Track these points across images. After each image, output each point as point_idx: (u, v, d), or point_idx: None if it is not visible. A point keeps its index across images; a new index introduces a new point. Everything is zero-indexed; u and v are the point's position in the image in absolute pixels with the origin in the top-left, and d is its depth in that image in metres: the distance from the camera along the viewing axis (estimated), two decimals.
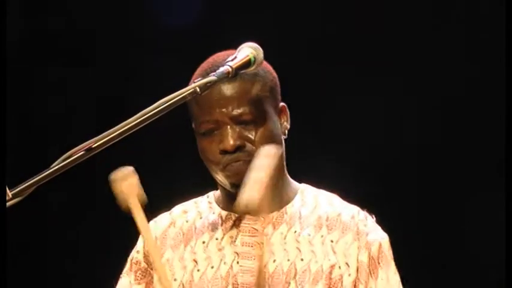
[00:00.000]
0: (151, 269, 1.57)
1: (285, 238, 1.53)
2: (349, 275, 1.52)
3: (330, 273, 1.51)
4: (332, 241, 1.54)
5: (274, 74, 1.56)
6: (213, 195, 1.62)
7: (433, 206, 3.03)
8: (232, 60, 1.38)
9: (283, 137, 1.55)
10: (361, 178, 2.94)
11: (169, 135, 2.83)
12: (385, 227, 1.59)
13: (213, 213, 1.58)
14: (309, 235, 1.54)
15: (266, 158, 1.35)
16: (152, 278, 1.58)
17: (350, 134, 3.02)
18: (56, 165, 1.16)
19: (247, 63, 1.40)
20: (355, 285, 1.52)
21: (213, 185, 1.60)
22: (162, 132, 2.27)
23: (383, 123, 3.04)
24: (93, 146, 1.18)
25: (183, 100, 1.26)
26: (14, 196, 1.15)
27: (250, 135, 1.49)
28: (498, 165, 2.74)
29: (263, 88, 1.51)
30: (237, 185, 1.46)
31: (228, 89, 1.46)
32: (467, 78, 2.98)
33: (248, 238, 1.54)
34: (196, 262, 1.54)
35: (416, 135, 3.04)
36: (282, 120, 1.57)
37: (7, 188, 1.15)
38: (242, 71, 1.40)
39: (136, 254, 1.59)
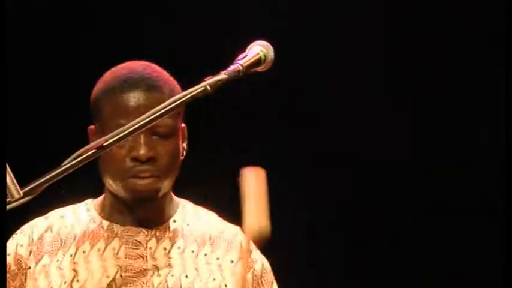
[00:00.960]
0: (22, 274, 1.50)
1: (169, 253, 1.51)
2: None
3: None
4: (218, 258, 1.53)
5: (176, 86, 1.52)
6: (92, 203, 1.56)
7: None
8: (242, 58, 1.37)
9: (181, 158, 1.52)
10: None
11: None
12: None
13: (94, 222, 1.52)
14: (193, 252, 1.52)
15: (260, 182, 1.36)
16: (22, 282, 1.50)
17: None
18: (67, 164, 1.15)
19: (258, 62, 1.39)
20: None
21: (91, 193, 1.57)
22: None
23: None
24: (104, 144, 1.17)
25: (193, 98, 1.25)
26: (25, 195, 1.14)
27: (161, 149, 1.45)
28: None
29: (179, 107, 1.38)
30: (138, 200, 1.46)
31: (148, 98, 1.44)
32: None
33: (131, 250, 1.50)
34: (76, 272, 1.48)
35: None
36: (183, 140, 1.53)
37: (18, 187, 1.14)
38: (156, 88, 1.42)
39: (7, 256, 1.48)
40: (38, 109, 3.12)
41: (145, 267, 1.49)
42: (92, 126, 1.50)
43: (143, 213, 1.51)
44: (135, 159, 1.44)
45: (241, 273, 1.52)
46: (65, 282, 1.47)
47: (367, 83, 3.06)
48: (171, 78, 1.52)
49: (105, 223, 1.52)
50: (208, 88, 1.27)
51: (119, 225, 1.51)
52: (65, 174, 1.16)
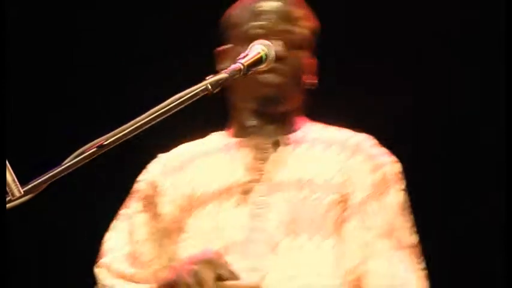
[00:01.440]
0: (156, 196, 1.58)
1: (297, 154, 1.56)
2: (361, 191, 1.53)
3: (343, 188, 1.52)
4: (345, 159, 1.55)
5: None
6: (222, 132, 1.66)
7: None
8: (243, 57, 1.38)
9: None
10: None
11: None
12: None
13: (225, 140, 1.62)
14: (320, 152, 1.56)
15: None
16: (156, 207, 1.58)
17: None
18: (68, 163, 1.15)
19: (259, 61, 1.41)
20: (365, 202, 1.52)
21: None
22: None
23: None
24: (105, 143, 1.18)
25: (195, 97, 1.26)
26: (26, 193, 1.15)
27: (292, 55, 1.54)
28: None
29: (307, 27, 1.59)
30: (265, 98, 1.53)
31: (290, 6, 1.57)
32: None
33: (260, 154, 1.56)
34: (204, 175, 1.56)
35: None
36: (310, 71, 1.62)
37: (19, 185, 1.14)
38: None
39: (145, 180, 1.60)
40: (39, 106, 3.14)
41: (273, 168, 1.54)
42: (219, 49, 1.62)
43: (268, 123, 1.57)
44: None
45: (367, 174, 1.54)
46: (193, 187, 1.55)
47: None
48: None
49: (236, 139, 1.60)
50: (210, 87, 1.27)
51: (249, 139, 1.59)
52: (65, 172, 1.17)
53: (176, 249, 1.53)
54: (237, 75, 1.35)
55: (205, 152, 1.60)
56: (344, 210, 1.51)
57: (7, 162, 1.14)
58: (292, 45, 1.53)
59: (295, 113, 1.62)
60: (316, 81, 1.63)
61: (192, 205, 1.52)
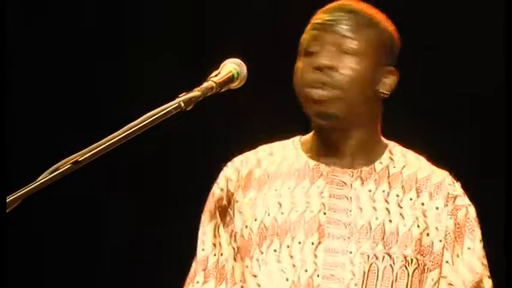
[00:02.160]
0: (230, 208, 1.56)
1: (373, 195, 1.51)
2: (440, 240, 1.50)
3: (420, 239, 1.49)
4: (423, 204, 1.51)
5: (395, 35, 1.58)
6: (299, 141, 1.60)
7: None
8: (215, 76, 1.42)
9: (381, 94, 1.55)
10: None
11: None
12: None
13: (300, 161, 1.56)
14: (397, 196, 1.51)
15: None
16: (231, 217, 1.56)
17: None
18: (43, 178, 1.17)
19: (231, 79, 1.44)
20: (441, 257, 1.50)
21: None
22: None
23: None
24: (80, 159, 1.20)
25: (168, 115, 1.28)
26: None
27: (343, 64, 1.49)
28: None
29: (379, 37, 1.53)
30: (316, 114, 1.50)
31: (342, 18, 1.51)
32: None
33: (336, 190, 1.51)
34: (280, 205, 1.52)
35: None
36: (385, 80, 1.55)
37: None
38: None
39: (222, 184, 1.59)
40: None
41: (349, 208, 1.50)
42: None
43: (342, 148, 1.53)
44: (316, 68, 1.49)
45: (445, 220, 1.51)
46: (269, 214, 1.51)
47: None
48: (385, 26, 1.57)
49: (311, 162, 1.55)
50: (182, 104, 1.30)
51: (324, 165, 1.53)
52: (40, 188, 1.18)
53: (244, 270, 1.51)
54: (210, 93, 1.38)
55: (282, 173, 1.56)
56: (424, 266, 1.49)
57: None
58: (348, 53, 1.50)
59: (369, 133, 1.56)
60: (390, 88, 1.57)
61: (266, 234, 1.50)
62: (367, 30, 1.51)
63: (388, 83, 1.55)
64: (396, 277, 1.46)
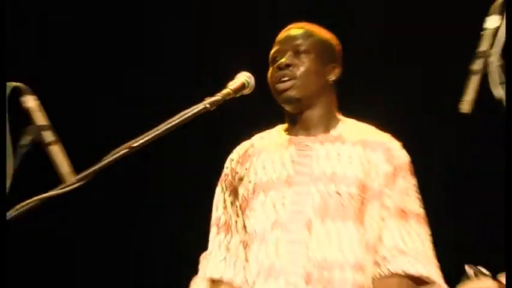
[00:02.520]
0: (234, 180, 2.11)
1: (329, 152, 2.01)
2: (379, 181, 1.98)
3: (363, 180, 1.97)
4: (367, 155, 2.01)
5: (336, 43, 2.15)
6: (281, 127, 2.14)
7: None
8: (232, 85, 1.90)
9: (330, 82, 2.09)
10: None
11: None
12: None
13: (280, 138, 2.10)
14: (347, 151, 2.02)
15: None
16: (235, 186, 2.10)
17: None
18: (108, 158, 1.61)
19: (243, 86, 1.92)
20: (382, 189, 1.98)
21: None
22: None
23: None
24: (134, 145, 1.63)
25: (197, 114, 1.74)
26: (78, 181, 1.59)
27: (297, 61, 2.04)
28: None
29: (321, 43, 2.09)
30: (285, 102, 2.04)
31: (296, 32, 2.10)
32: None
33: (302, 152, 2.03)
34: (264, 168, 2.03)
35: None
36: (332, 73, 2.09)
37: (73, 174, 1.59)
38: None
39: (227, 166, 2.15)
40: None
41: (311, 162, 2.01)
42: None
43: (306, 123, 2.06)
44: (279, 68, 2.04)
45: (383, 167, 2.00)
46: (257, 175, 2.05)
47: None
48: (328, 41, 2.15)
49: (287, 137, 2.09)
50: (208, 106, 1.76)
51: (295, 137, 2.08)
52: (107, 166, 1.61)
53: (245, 220, 2.04)
54: (227, 97, 1.85)
55: (267, 148, 2.09)
56: (363, 200, 1.96)
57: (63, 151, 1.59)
58: (300, 52, 2.05)
59: (327, 108, 2.09)
60: (334, 77, 2.11)
61: (254, 189, 2.03)
62: (312, 38, 2.07)
63: (333, 74, 2.09)
64: (344, 208, 1.94)
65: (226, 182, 2.13)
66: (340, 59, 2.14)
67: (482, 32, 1.51)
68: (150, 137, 1.66)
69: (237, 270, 2.03)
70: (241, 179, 2.08)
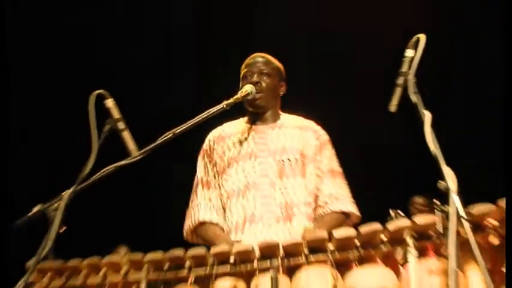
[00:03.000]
0: (211, 152, 3.02)
1: (278, 134, 2.95)
2: (312, 150, 2.94)
3: (302, 150, 2.91)
4: (302, 134, 2.96)
5: (283, 69, 3.13)
6: (243, 119, 3.04)
7: None
8: (240, 92, 2.85)
9: (280, 94, 3.11)
10: None
11: None
12: None
13: (243, 126, 3.01)
14: (289, 132, 2.97)
15: None
16: (212, 156, 3.01)
17: None
18: (160, 140, 2.42)
19: (248, 94, 2.87)
20: (314, 156, 2.93)
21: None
22: None
23: None
24: (176, 132, 2.45)
25: (219, 111, 2.61)
26: (140, 154, 2.40)
27: (263, 80, 2.98)
28: None
29: (275, 68, 3.07)
30: (253, 106, 3.00)
31: (260, 60, 3.08)
32: None
33: (260, 135, 2.96)
34: (234, 145, 2.94)
35: None
36: (281, 88, 3.06)
37: (136, 148, 2.40)
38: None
39: (206, 144, 3.08)
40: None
41: (267, 142, 2.96)
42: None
43: (263, 117, 3.02)
44: (250, 83, 2.96)
45: (313, 142, 2.97)
46: (230, 150, 2.95)
47: None
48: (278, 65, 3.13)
49: (248, 126, 3.05)
50: (225, 106, 2.65)
51: (254, 126, 3.02)
52: (157, 146, 2.43)
53: (222, 182, 2.93)
54: (237, 101, 2.77)
55: (234, 133, 3.00)
56: (303, 163, 2.89)
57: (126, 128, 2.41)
58: (263, 74, 3.00)
59: (275, 108, 3.02)
60: (283, 91, 3.09)
61: (228, 161, 2.92)
62: (271, 65, 3.08)
63: (282, 89, 3.03)
64: (293, 169, 2.86)
65: (206, 154, 3.05)
66: (285, 79, 3.10)
67: (403, 59, 2.32)
68: (186, 126, 2.49)
69: (219, 215, 2.93)
70: (217, 153, 2.99)
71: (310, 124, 3.07)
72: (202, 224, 2.90)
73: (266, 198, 2.78)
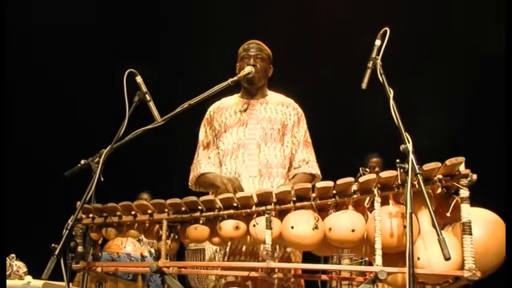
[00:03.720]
0: (212, 120, 3.63)
1: (265, 108, 3.58)
2: (292, 123, 3.57)
3: (283, 122, 3.55)
4: (284, 109, 3.59)
5: (271, 54, 3.69)
6: (237, 95, 3.73)
7: None
8: (242, 71, 3.47)
9: (269, 75, 3.70)
10: None
11: None
12: None
13: (237, 100, 3.64)
14: (273, 107, 3.60)
15: None
16: (212, 124, 3.63)
17: None
18: (178, 109, 3.01)
19: (249, 73, 3.48)
20: (292, 127, 3.56)
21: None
22: None
23: None
24: (191, 103, 3.05)
25: (225, 86, 3.22)
26: (163, 121, 2.99)
27: (258, 62, 3.58)
28: None
29: (267, 54, 3.66)
30: (249, 82, 3.59)
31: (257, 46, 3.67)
32: None
33: (252, 107, 3.59)
34: (230, 115, 3.57)
35: None
36: (269, 70, 3.69)
37: (158, 115, 2.99)
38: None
39: (208, 114, 3.69)
40: None
41: (256, 113, 3.58)
42: (236, 64, 3.71)
43: (254, 93, 3.63)
44: (247, 65, 3.56)
45: (293, 116, 3.58)
46: (226, 118, 3.62)
47: None
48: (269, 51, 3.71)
49: (242, 100, 3.68)
50: (230, 83, 3.27)
51: (246, 100, 3.65)
52: (176, 114, 3.02)
53: (218, 143, 3.54)
54: (240, 78, 3.40)
55: (230, 105, 3.61)
56: (284, 132, 3.53)
57: (154, 105, 3.00)
58: (259, 59, 3.59)
59: (264, 87, 3.62)
60: (271, 73, 3.68)
61: (224, 127, 3.54)
62: (264, 51, 3.66)
63: (270, 71, 3.71)
64: (275, 137, 3.51)
65: (207, 122, 3.66)
66: (272, 63, 3.67)
67: (373, 46, 2.88)
68: (199, 98, 3.09)
69: (216, 168, 3.53)
70: (216, 121, 3.60)
71: (290, 101, 3.70)
72: (202, 175, 3.52)
73: (252, 156, 3.44)
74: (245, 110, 3.56)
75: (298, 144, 3.57)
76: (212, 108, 3.65)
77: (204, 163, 3.54)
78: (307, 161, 3.56)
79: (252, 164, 3.44)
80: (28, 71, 6.71)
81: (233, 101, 3.67)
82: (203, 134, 3.63)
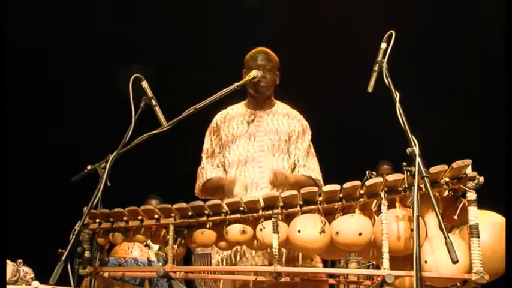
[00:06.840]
0: (218, 130, 3.64)
1: (272, 119, 3.59)
2: (296, 135, 3.59)
3: (289, 133, 3.57)
4: (289, 121, 3.61)
5: (278, 61, 3.69)
6: (243, 102, 3.67)
7: None
8: (248, 76, 3.44)
9: (276, 83, 3.70)
10: None
11: None
12: None
13: (243, 110, 3.65)
14: (280, 118, 3.62)
15: None
16: (219, 133, 3.64)
17: None
18: (184, 113, 3.02)
19: (254, 77, 3.46)
20: (296, 139, 3.58)
21: None
22: None
23: None
24: (197, 107, 3.05)
25: (230, 91, 3.20)
26: (168, 125, 2.99)
27: (267, 74, 3.57)
28: None
29: (275, 63, 3.66)
30: (259, 92, 3.61)
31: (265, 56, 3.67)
32: None
33: (258, 118, 3.60)
34: (238, 126, 3.58)
35: None
36: (276, 77, 3.67)
37: (164, 119, 3.00)
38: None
39: (214, 123, 3.70)
40: None
41: (263, 125, 3.60)
42: (244, 71, 3.68)
43: (261, 103, 3.65)
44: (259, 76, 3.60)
45: (297, 128, 3.61)
46: (233, 129, 3.64)
47: None
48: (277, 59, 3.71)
49: (249, 110, 3.70)
50: (236, 87, 3.26)
51: (254, 111, 3.67)
52: (181, 119, 3.02)
53: (225, 153, 3.57)
54: (246, 83, 3.38)
55: (237, 115, 3.63)
56: (289, 144, 3.56)
57: (160, 110, 3.00)
58: (267, 70, 3.58)
59: (271, 97, 3.63)
60: (277, 83, 3.67)
61: (231, 138, 3.55)
62: (272, 61, 3.66)
63: (277, 80, 3.70)
64: (282, 147, 3.54)
65: (213, 131, 3.67)
66: (279, 70, 3.67)
67: (379, 49, 2.87)
68: (205, 103, 3.08)
69: (222, 173, 3.55)
70: (223, 131, 3.62)
71: (296, 113, 3.73)
72: (209, 180, 3.55)
73: (263, 168, 3.46)
74: (252, 121, 3.59)
75: (301, 153, 3.60)
76: (219, 117, 3.68)
77: (209, 171, 3.58)
78: (308, 167, 3.59)
79: (262, 176, 3.45)
80: (34, 75, 6.73)
81: (240, 111, 3.70)
82: (208, 142, 3.65)
